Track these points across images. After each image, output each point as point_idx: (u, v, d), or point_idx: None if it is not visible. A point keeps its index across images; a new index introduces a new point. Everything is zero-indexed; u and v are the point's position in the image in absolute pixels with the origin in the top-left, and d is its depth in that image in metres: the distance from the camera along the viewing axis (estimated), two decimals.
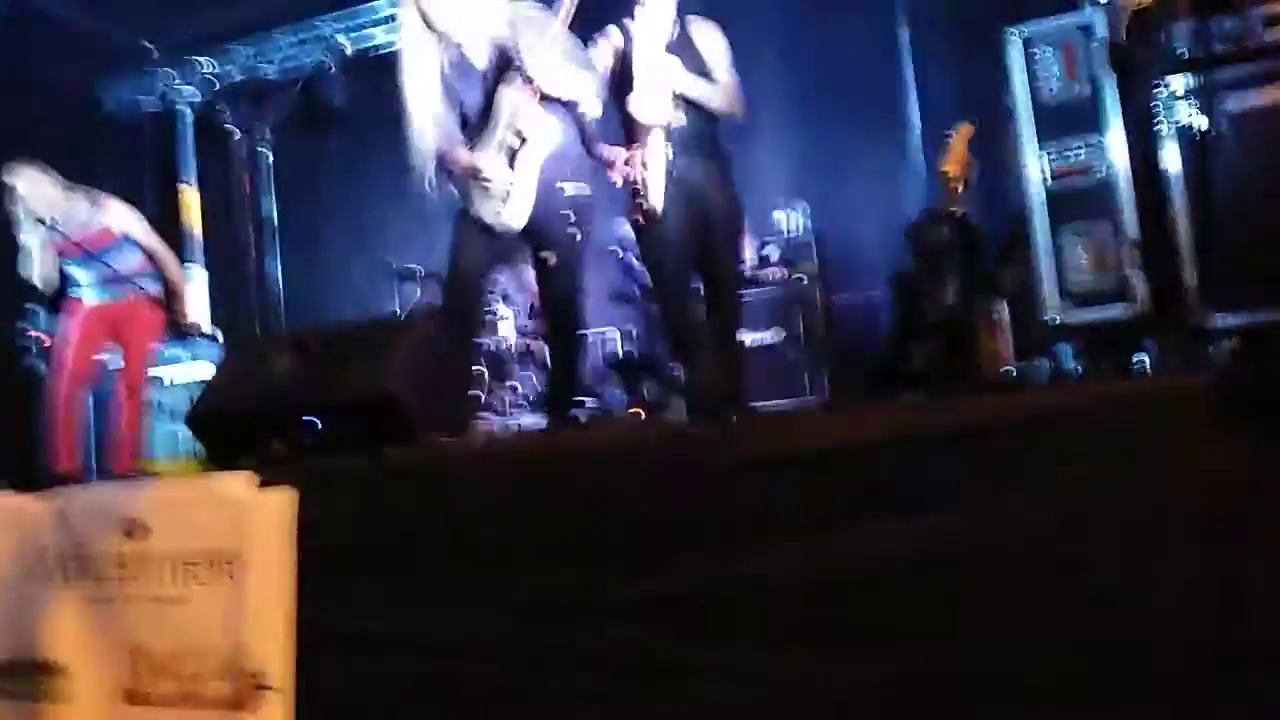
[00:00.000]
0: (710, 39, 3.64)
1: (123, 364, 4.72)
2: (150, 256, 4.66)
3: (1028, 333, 3.85)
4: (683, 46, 3.57)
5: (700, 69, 3.56)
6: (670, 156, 3.43)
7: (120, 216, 4.59)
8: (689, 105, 3.51)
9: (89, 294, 4.59)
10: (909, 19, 6.41)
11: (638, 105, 3.46)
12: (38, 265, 4.41)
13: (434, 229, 7.64)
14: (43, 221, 4.32)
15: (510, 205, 3.36)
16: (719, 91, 3.57)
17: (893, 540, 1.74)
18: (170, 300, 4.77)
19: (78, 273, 4.57)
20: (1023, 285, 3.89)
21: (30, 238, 4.40)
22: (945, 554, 1.71)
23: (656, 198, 3.41)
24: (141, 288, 4.58)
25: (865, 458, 1.83)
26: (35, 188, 4.36)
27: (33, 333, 6.32)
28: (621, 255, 6.04)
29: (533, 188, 3.36)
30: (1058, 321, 3.28)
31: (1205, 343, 2.78)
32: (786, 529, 1.85)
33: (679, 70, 3.48)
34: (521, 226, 3.42)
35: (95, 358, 4.71)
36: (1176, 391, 1.69)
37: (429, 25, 3.34)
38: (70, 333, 4.61)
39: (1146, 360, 3.48)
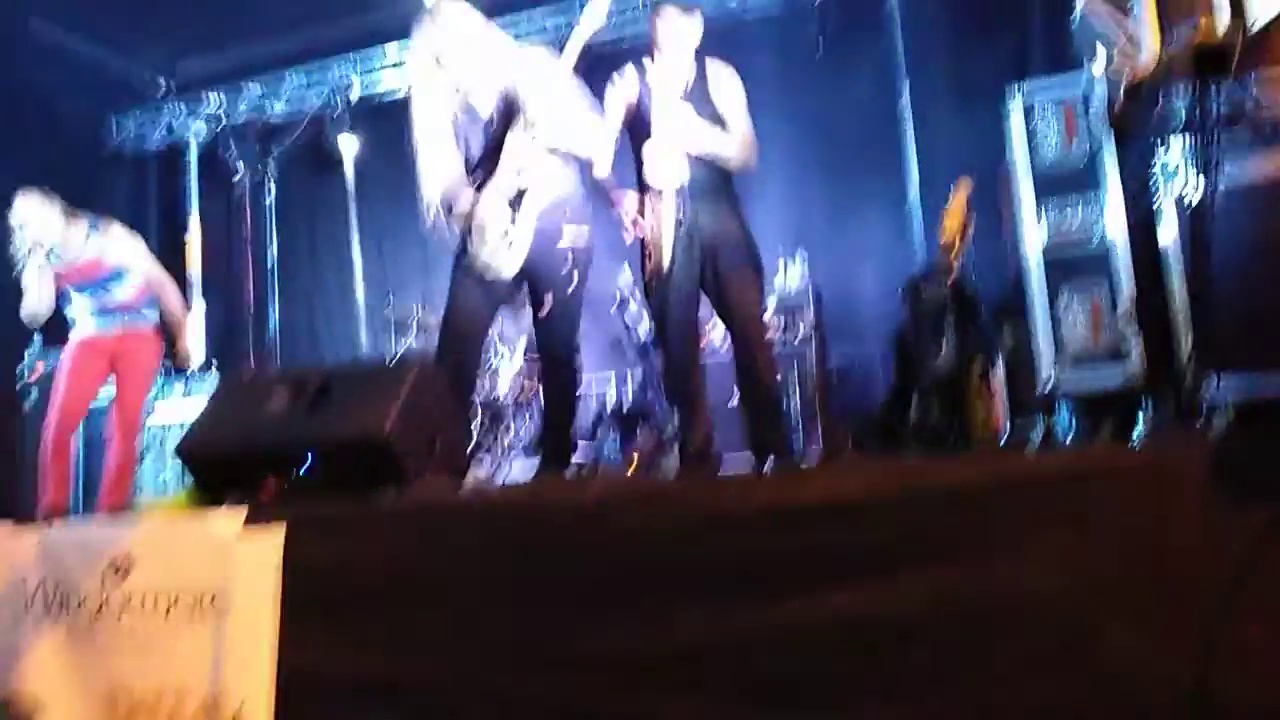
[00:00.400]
0: (728, 85, 3.61)
1: (116, 396, 4.66)
2: (150, 286, 4.64)
3: (1024, 393, 3.86)
4: (699, 91, 3.54)
5: (715, 116, 3.54)
6: (681, 212, 3.41)
7: (121, 243, 4.58)
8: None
9: (85, 324, 4.56)
10: (910, 77, 6.49)
11: (650, 167, 3.45)
12: (33, 293, 4.39)
13: (434, 273, 7.71)
14: (41, 247, 4.32)
15: (506, 253, 3.37)
16: (733, 144, 3.54)
17: (890, 599, 1.73)
18: (169, 332, 4.74)
19: (75, 301, 4.56)
20: (1019, 346, 3.90)
21: (28, 265, 4.39)
22: (943, 614, 1.69)
23: (666, 253, 3.40)
24: (141, 315, 4.55)
25: (863, 515, 1.82)
26: (35, 214, 4.38)
27: (35, 366, 6.36)
28: (620, 304, 6.06)
29: (529, 236, 3.37)
30: (1054, 383, 3.27)
31: (1200, 410, 2.78)
32: (784, 585, 1.83)
33: (694, 125, 3.46)
34: (513, 274, 3.42)
35: (90, 390, 4.62)
36: (1173, 460, 1.69)
37: (441, 67, 3.38)
38: (63, 364, 4.56)
39: (1142, 425, 3.48)
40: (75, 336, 4.58)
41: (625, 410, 6.10)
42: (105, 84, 8.09)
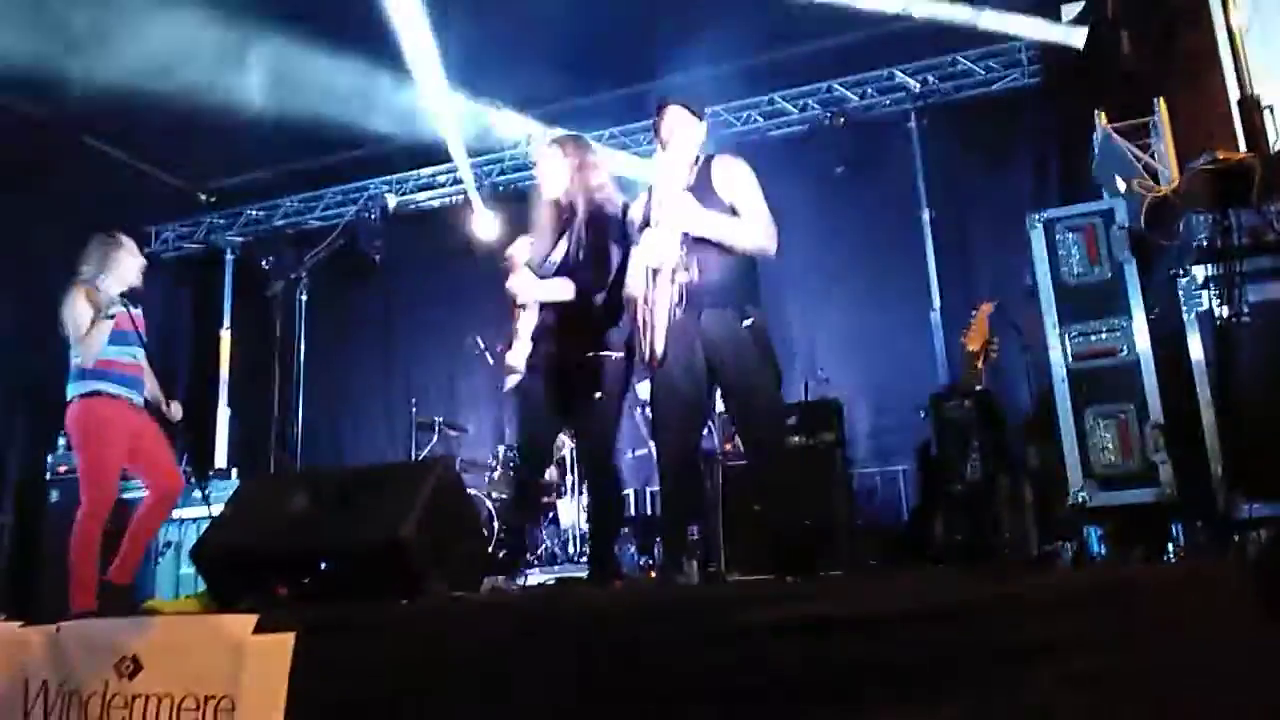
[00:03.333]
0: (734, 173, 3.45)
1: (151, 468, 4.33)
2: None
3: (1052, 511, 3.78)
4: (703, 186, 3.41)
5: (724, 208, 3.39)
6: (678, 302, 3.29)
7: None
8: (710, 253, 3.34)
9: (106, 384, 4.22)
10: (930, 197, 6.62)
11: (646, 247, 3.35)
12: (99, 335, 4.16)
13: (457, 382, 7.77)
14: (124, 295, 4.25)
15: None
16: (742, 227, 3.36)
17: (913, 717, 1.66)
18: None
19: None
20: (1046, 463, 3.85)
21: (103, 318, 4.18)
22: None
23: (659, 341, 3.27)
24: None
25: (893, 631, 1.76)
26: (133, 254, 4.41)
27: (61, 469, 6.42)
28: (641, 413, 6.05)
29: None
30: (1083, 503, 3.21)
31: (1233, 531, 2.72)
32: (801, 702, 1.77)
33: (695, 210, 3.33)
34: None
35: (118, 467, 4.25)
36: (1209, 576, 1.64)
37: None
38: (91, 429, 4.15)
39: (1174, 543, 3.39)
40: (106, 393, 4.17)
41: (645, 521, 6.04)
42: (145, 193, 8.41)
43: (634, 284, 3.43)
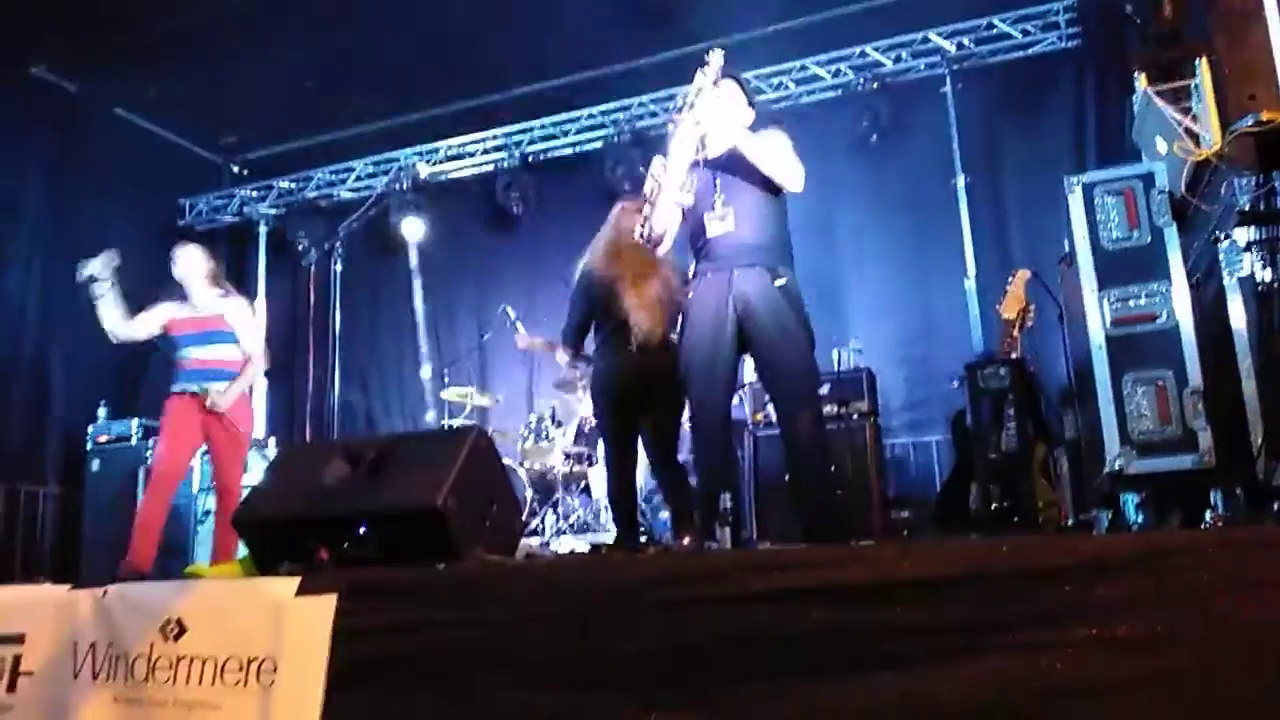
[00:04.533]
0: (767, 136, 3.42)
1: (215, 461, 4.66)
2: (246, 360, 4.67)
3: (1089, 480, 3.76)
4: (738, 159, 3.37)
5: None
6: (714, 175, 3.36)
7: (242, 313, 4.70)
8: (745, 204, 3.34)
9: (186, 379, 4.56)
10: (965, 163, 6.53)
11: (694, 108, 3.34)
12: (138, 322, 4.57)
13: (487, 352, 7.81)
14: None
15: None
16: (778, 150, 3.34)
17: (952, 685, 1.66)
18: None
19: (182, 352, 4.61)
20: (1083, 431, 3.82)
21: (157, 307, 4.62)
22: (1010, 703, 1.62)
23: (658, 221, 3.33)
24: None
25: (919, 596, 1.77)
26: (194, 259, 4.69)
27: (100, 438, 6.57)
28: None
29: None
30: (1120, 470, 3.17)
31: (1273, 498, 2.69)
32: (835, 667, 1.78)
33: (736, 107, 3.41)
34: None
35: (186, 452, 4.67)
36: (1253, 544, 1.62)
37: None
38: (163, 426, 4.59)
39: (1212, 511, 3.36)
40: (175, 391, 4.58)
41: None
42: (179, 165, 8.48)
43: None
